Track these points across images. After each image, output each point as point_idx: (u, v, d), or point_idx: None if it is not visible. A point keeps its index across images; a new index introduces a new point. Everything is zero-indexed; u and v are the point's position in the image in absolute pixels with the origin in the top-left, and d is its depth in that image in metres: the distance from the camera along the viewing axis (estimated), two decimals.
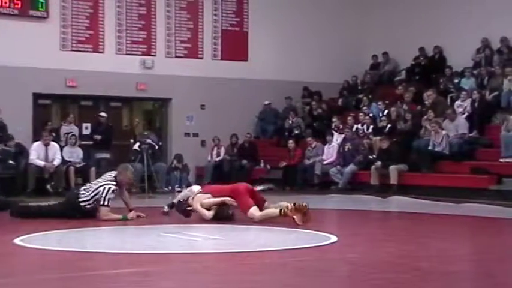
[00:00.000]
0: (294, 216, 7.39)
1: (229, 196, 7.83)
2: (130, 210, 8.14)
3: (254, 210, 7.71)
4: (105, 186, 7.84)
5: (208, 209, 7.83)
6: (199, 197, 7.95)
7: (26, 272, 4.87)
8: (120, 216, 7.88)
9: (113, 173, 8.07)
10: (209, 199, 7.86)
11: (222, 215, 7.79)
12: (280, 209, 7.56)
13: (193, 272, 4.74)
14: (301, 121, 16.30)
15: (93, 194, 7.86)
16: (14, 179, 12.60)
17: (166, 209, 8.49)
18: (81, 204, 7.88)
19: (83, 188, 8.16)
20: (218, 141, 15.88)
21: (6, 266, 5.14)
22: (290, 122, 16.34)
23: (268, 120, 17.05)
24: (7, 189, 11.87)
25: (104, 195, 7.79)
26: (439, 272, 4.84)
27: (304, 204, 7.48)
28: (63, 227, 7.28)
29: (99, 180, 8.12)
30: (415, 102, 14.52)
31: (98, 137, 14.30)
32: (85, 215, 7.84)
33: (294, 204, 7.45)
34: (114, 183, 7.91)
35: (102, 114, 14.88)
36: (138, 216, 8.04)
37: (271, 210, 7.74)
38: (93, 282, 4.46)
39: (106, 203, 7.80)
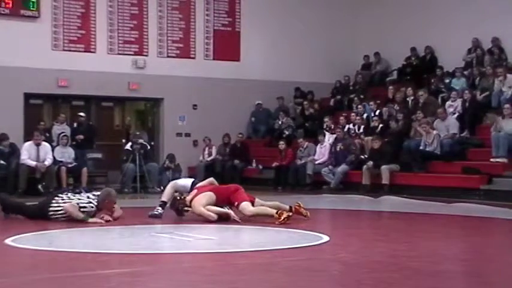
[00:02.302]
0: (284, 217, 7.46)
1: (228, 198, 7.87)
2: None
3: (246, 204, 7.74)
4: (88, 201, 7.74)
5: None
6: (199, 199, 7.86)
7: (17, 272, 4.86)
8: (82, 216, 7.63)
9: (94, 194, 7.91)
10: (215, 207, 7.81)
11: (222, 216, 7.79)
12: (277, 211, 7.60)
13: (184, 272, 4.75)
14: (292, 122, 16.32)
15: (62, 209, 7.69)
16: (5, 179, 12.55)
17: (160, 211, 8.32)
18: (50, 211, 7.73)
19: (59, 197, 7.93)
20: (209, 141, 15.88)
21: None
22: (280, 122, 16.35)
23: (260, 120, 17.06)
24: None
25: (85, 203, 7.70)
26: (429, 272, 4.86)
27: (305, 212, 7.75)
28: (54, 227, 7.26)
29: (81, 196, 7.95)
30: (406, 102, 14.56)
31: (81, 136, 14.26)
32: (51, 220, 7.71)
33: (292, 210, 7.57)
34: (95, 205, 7.74)
35: (81, 114, 14.85)
36: (107, 221, 7.72)
37: (267, 209, 7.79)
38: (84, 283, 4.46)
39: (82, 206, 7.67)
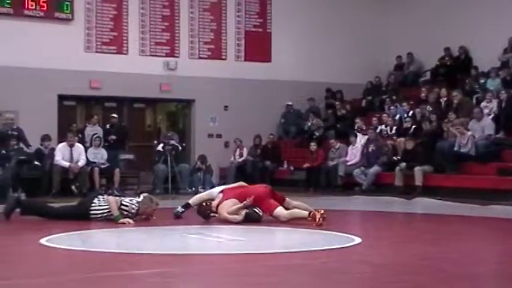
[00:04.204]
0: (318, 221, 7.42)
1: (257, 203, 7.87)
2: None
3: (280, 210, 7.75)
4: (131, 204, 7.89)
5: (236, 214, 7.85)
6: (225, 204, 7.90)
7: (50, 272, 4.91)
8: (117, 213, 7.77)
9: (136, 201, 8.05)
10: (235, 206, 7.83)
11: (252, 218, 7.79)
12: (310, 212, 7.57)
13: (214, 273, 4.75)
14: (321, 123, 16.24)
15: (105, 207, 7.86)
16: (40, 180, 12.72)
17: (180, 209, 8.37)
18: (91, 213, 7.89)
19: (99, 198, 8.11)
20: (240, 143, 15.88)
21: (32, 266, 5.19)
22: (309, 124, 16.29)
23: (290, 121, 17.01)
24: (32, 190, 12.02)
25: (127, 203, 7.88)
26: (462, 275, 4.78)
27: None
28: (88, 228, 7.34)
29: (125, 198, 8.19)
30: (439, 103, 14.37)
31: (113, 137, 14.39)
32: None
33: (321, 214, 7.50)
34: (136, 209, 7.91)
35: (114, 115, 14.98)
36: (128, 223, 7.79)
37: (300, 212, 7.78)
38: (116, 283, 4.48)
39: (123, 204, 7.83)
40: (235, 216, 7.77)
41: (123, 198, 8.17)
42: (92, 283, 4.45)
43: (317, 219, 7.40)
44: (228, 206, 7.84)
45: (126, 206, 7.90)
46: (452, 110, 13.41)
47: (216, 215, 7.98)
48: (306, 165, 14.55)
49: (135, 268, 5.00)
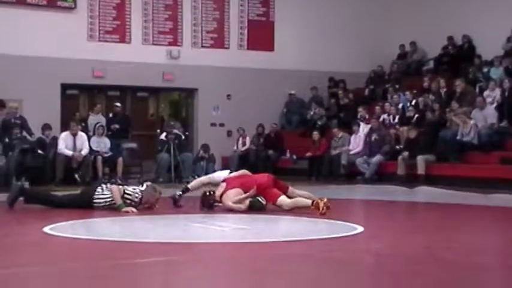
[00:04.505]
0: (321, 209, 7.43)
1: (261, 192, 7.88)
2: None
3: (283, 199, 7.78)
4: (133, 192, 7.91)
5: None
6: (229, 194, 7.90)
7: (55, 260, 4.93)
8: (120, 202, 7.78)
9: (140, 189, 8.05)
10: (240, 196, 7.84)
11: (256, 206, 7.81)
12: (313, 201, 7.58)
13: (218, 262, 4.77)
14: (324, 112, 16.22)
15: (108, 196, 7.89)
16: (44, 169, 12.76)
17: (178, 193, 8.31)
18: (95, 202, 7.90)
19: (102, 186, 8.13)
20: (243, 132, 15.89)
21: (36, 254, 5.22)
22: (312, 113, 16.27)
23: (293, 111, 17.00)
24: (36, 179, 12.06)
25: (130, 191, 7.91)
26: (465, 264, 4.80)
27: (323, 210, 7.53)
28: (92, 217, 7.36)
29: (128, 186, 8.20)
30: (440, 93, 14.34)
31: (116, 126, 14.40)
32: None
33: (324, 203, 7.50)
34: (139, 198, 7.93)
35: (117, 104, 14.99)
36: (132, 212, 7.80)
37: (303, 200, 7.79)
38: (119, 271, 4.51)
39: (126, 193, 7.85)
40: (240, 205, 7.79)
41: (126, 187, 8.19)
42: (96, 271, 4.48)
43: (320, 208, 7.41)
44: (233, 196, 7.86)
45: (129, 194, 7.92)
46: (455, 99, 13.39)
47: (220, 204, 8.00)
48: (308, 154, 14.56)
49: (139, 257, 5.03)
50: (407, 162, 12.72)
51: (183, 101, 17.21)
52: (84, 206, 7.88)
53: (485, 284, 4.27)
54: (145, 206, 8.02)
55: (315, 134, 14.74)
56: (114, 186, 8.03)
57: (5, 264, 4.69)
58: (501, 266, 4.97)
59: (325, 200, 7.55)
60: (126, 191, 7.94)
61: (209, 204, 8.10)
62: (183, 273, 4.47)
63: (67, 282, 4.12)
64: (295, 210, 7.66)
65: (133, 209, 7.78)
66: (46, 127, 13.35)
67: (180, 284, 4.17)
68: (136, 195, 7.95)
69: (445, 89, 14.14)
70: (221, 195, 7.97)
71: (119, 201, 7.79)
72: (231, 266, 4.67)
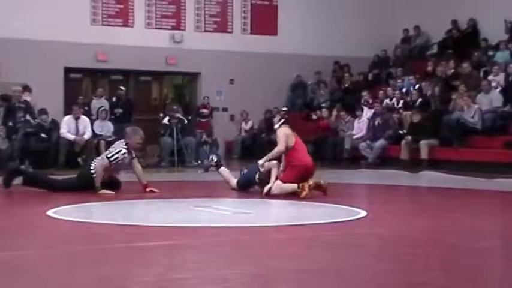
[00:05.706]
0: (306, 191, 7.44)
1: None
2: (145, 186, 8.08)
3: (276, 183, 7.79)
4: (116, 148, 8.00)
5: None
6: (282, 185, 7.79)
7: (57, 243, 4.95)
8: (97, 185, 7.81)
9: (121, 144, 8.14)
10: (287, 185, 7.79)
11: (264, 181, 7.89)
12: (298, 185, 7.56)
13: (222, 246, 4.78)
14: (328, 96, 16.19)
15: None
16: (47, 153, 12.77)
17: (212, 162, 8.61)
18: (93, 175, 7.90)
19: (94, 162, 8.16)
20: (246, 116, 15.87)
21: (39, 237, 5.23)
22: (312, 95, 16.31)
23: (297, 94, 16.97)
24: (39, 162, 12.07)
25: (113, 152, 7.95)
26: (467, 248, 4.80)
27: (322, 182, 7.57)
28: (96, 200, 7.39)
29: (110, 149, 8.25)
30: (447, 76, 14.30)
31: (119, 110, 14.39)
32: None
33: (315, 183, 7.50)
34: (125, 147, 8.01)
35: (121, 87, 14.96)
36: (152, 191, 7.96)
37: (290, 186, 7.74)
38: (123, 255, 4.52)
39: (112, 158, 7.91)
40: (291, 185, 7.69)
41: (107, 152, 8.14)
42: (99, 254, 4.49)
43: (303, 194, 7.41)
44: (280, 188, 7.74)
45: (116, 158, 7.91)
46: (460, 81, 13.34)
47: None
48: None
49: (143, 240, 5.04)
50: (410, 147, 12.71)
51: (186, 85, 17.18)
52: (85, 187, 7.87)
53: (488, 267, 4.28)
54: (135, 154, 8.11)
55: (316, 112, 14.77)
56: (98, 164, 7.96)
57: (11, 246, 4.71)
58: (504, 250, 4.97)
59: (322, 182, 7.55)
60: (110, 158, 7.91)
61: (261, 181, 7.97)
62: (186, 257, 4.48)
63: (72, 265, 4.14)
64: (299, 196, 7.63)
65: (109, 191, 7.79)
66: (42, 112, 13.17)
67: (186, 267, 4.18)
68: (122, 151, 7.94)
69: (452, 70, 14.08)
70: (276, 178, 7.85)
71: (97, 184, 7.81)
72: (235, 250, 4.68)
